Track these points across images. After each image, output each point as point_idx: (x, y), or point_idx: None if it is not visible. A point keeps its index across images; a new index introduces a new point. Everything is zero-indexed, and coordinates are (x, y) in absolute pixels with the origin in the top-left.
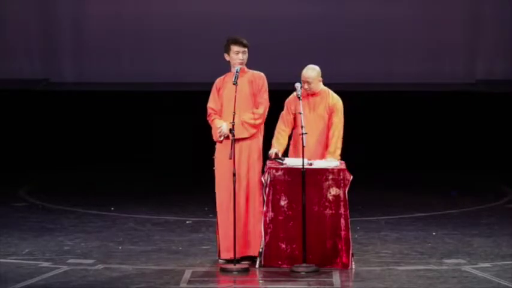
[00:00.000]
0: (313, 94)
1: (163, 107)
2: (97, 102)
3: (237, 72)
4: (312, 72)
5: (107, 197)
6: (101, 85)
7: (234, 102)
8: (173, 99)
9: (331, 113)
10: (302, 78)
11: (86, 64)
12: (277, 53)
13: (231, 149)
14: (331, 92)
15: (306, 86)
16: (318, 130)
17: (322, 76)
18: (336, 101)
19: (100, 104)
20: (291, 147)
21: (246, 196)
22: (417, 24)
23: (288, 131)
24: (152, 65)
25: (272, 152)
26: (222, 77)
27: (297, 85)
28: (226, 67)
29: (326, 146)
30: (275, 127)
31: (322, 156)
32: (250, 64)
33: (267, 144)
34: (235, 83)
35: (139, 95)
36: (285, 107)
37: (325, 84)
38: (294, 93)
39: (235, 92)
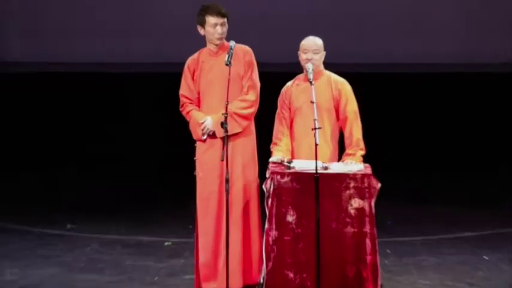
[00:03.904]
0: (314, 77)
1: (140, 93)
2: (56, 87)
3: (231, 49)
4: (316, 40)
5: (65, 210)
6: (63, 66)
7: (227, 88)
8: (152, 82)
9: (338, 101)
10: (304, 48)
11: (46, 44)
12: (284, 29)
13: (223, 149)
14: (332, 74)
15: (308, 56)
16: (324, 125)
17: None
18: (341, 84)
19: (59, 88)
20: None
21: (241, 208)
22: None
23: (288, 132)
24: (129, 43)
25: (274, 159)
26: (194, 56)
27: (309, 66)
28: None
29: (337, 146)
30: (268, 121)
31: (334, 159)
32: (254, 40)
33: (262, 142)
34: (228, 64)
35: (111, 77)
36: (279, 105)
37: (338, 67)
38: (289, 83)
39: (229, 74)
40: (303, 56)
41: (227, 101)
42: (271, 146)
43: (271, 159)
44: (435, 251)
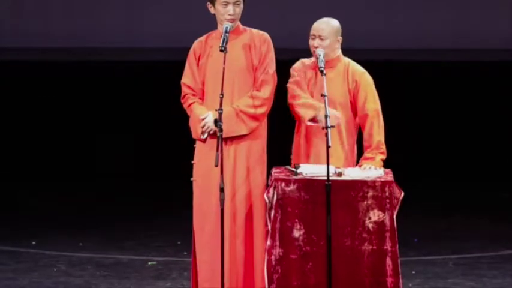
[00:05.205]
0: (326, 63)
1: (114, 84)
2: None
3: (225, 32)
4: (326, 23)
5: (27, 224)
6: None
7: (222, 79)
8: (126, 76)
9: (355, 95)
10: (312, 32)
11: None
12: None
13: (218, 150)
14: (351, 62)
15: (315, 43)
16: (339, 123)
17: (346, 39)
18: (359, 75)
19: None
20: (293, 154)
21: (243, 222)
22: None
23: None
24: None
25: (314, 114)
26: (202, 39)
27: (319, 52)
28: (213, 24)
29: (352, 149)
30: (279, 121)
31: (350, 163)
32: (250, 20)
33: (272, 146)
34: (223, 49)
35: (74, 66)
36: (294, 73)
37: (352, 52)
38: (304, 59)
39: (224, 62)
40: (310, 42)
41: (221, 94)
42: (300, 103)
43: (309, 117)
44: (471, 273)
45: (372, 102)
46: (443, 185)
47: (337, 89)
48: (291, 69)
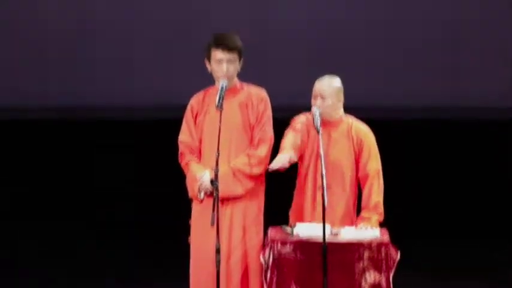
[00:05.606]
0: (329, 123)
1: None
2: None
3: (221, 89)
4: (328, 83)
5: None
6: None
7: (218, 138)
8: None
9: (359, 155)
10: (314, 92)
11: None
12: (287, 64)
13: (214, 210)
14: (355, 121)
15: (317, 103)
16: (338, 183)
17: (346, 97)
18: (363, 135)
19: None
20: (292, 211)
21: (239, 284)
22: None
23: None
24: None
25: (282, 159)
26: (200, 95)
27: (315, 111)
28: (211, 80)
29: (353, 209)
30: (278, 177)
31: (348, 220)
32: (249, 77)
33: (270, 202)
34: (218, 106)
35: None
36: (294, 125)
37: (348, 109)
38: (307, 114)
39: (220, 120)
40: (312, 101)
41: (217, 153)
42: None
43: (275, 163)
44: None
45: (374, 162)
46: (442, 242)
47: (342, 149)
48: (292, 120)
